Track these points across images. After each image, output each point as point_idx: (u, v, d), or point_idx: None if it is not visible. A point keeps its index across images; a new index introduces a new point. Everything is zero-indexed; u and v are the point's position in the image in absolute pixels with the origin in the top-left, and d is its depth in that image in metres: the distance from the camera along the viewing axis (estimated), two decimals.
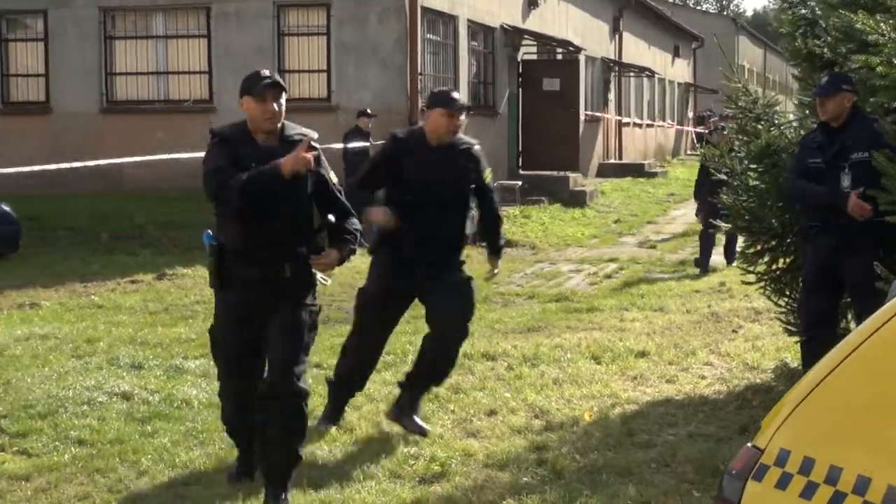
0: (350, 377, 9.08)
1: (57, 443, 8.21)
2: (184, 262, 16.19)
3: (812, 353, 7.96)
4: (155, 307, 13.72)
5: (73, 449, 8.07)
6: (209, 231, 7.07)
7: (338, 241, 7.23)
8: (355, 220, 7.35)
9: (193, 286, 15.62)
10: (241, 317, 7.14)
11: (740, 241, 11.79)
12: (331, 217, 7.11)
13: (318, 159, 6.97)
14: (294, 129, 7.04)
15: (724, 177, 12.64)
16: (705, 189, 17.00)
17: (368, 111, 20.57)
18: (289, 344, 7.03)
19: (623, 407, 9.55)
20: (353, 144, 19.62)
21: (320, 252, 7.16)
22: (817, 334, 8.34)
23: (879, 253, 8.04)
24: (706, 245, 17.99)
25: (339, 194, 7.35)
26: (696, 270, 17.93)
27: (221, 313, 7.33)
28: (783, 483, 3.33)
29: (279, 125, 6.90)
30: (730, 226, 11.10)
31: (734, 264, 15.43)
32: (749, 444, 3.55)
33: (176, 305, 14.33)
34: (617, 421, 9.11)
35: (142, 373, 10.39)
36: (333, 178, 7.35)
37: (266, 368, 7.23)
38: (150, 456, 7.95)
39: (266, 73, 6.91)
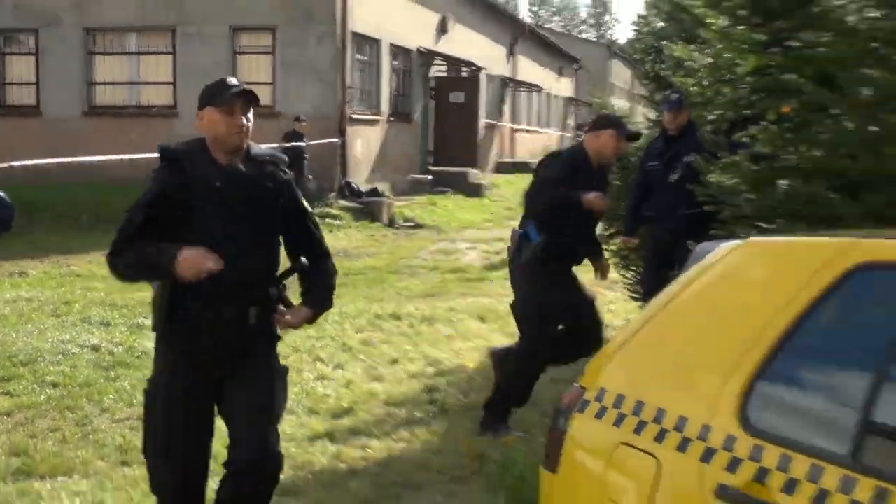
0: None
1: (35, 385, 8.10)
2: None
3: None
4: None
5: (48, 391, 7.98)
6: None
7: (310, 294, 4.84)
8: (332, 265, 4.97)
9: None
10: (191, 374, 4.62)
11: (599, 227, 11.85)
12: (304, 260, 4.75)
13: (289, 183, 4.77)
14: (259, 148, 4.81)
15: None
16: None
17: (301, 117, 20.51)
18: (264, 416, 4.68)
19: None
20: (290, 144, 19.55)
21: (286, 304, 4.76)
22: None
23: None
24: None
25: (315, 228, 4.92)
26: None
27: (163, 370, 4.72)
28: (600, 415, 3.40)
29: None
30: None
31: None
32: (576, 384, 3.61)
33: None
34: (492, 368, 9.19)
35: (109, 329, 10.27)
36: (307, 206, 4.97)
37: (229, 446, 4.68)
38: (111, 396, 7.91)
39: (233, 81, 4.73)
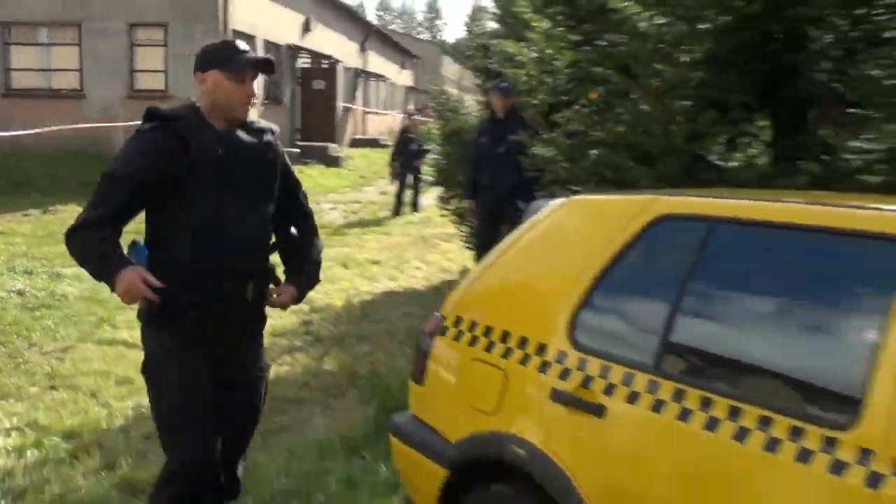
0: None
1: None
2: (63, 202, 15.37)
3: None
4: (42, 233, 13.02)
5: None
6: (137, 241, 3.57)
7: (296, 272, 3.87)
8: (320, 240, 3.98)
9: (70, 217, 14.90)
10: (195, 351, 3.55)
11: (439, 190, 11.93)
12: (293, 231, 3.89)
13: (284, 155, 3.87)
14: (251, 117, 3.74)
15: (426, 147, 12.95)
16: (402, 155, 17.10)
17: (192, 98, 19.96)
18: (243, 427, 3.89)
19: (362, 297, 9.64)
20: None
21: (275, 282, 3.80)
22: (486, 250, 8.49)
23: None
24: (400, 193, 17.44)
25: (305, 200, 3.97)
26: (410, 210, 17.63)
27: (169, 348, 3.54)
28: (458, 337, 3.45)
29: None
30: (432, 179, 11.34)
31: (419, 211, 16.17)
32: (436, 314, 3.66)
33: (57, 231, 13.61)
34: (358, 306, 9.21)
35: (32, 277, 9.87)
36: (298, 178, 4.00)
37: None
38: (38, 333, 7.66)
39: (244, 45, 3.64)
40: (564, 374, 2.98)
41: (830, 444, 2.28)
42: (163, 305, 3.41)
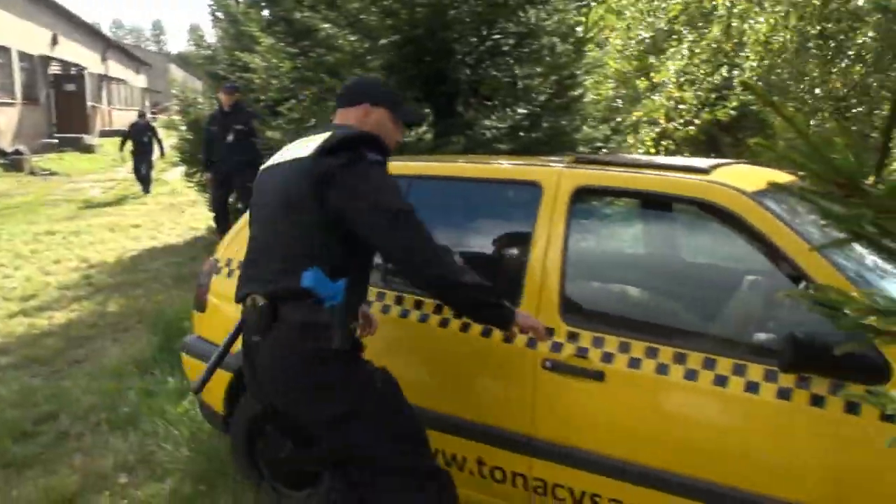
0: None
1: None
2: None
3: (224, 217, 7.94)
4: None
5: None
6: (315, 269, 2.11)
7: None
8: None
9: None
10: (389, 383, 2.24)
11: (184, 167, 11.21)
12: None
13: None
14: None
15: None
16: (134, 145, 15.00)
17: None
18: None
19: (130, 253, 8.92)
20: None
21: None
22: (220, 213, 8.20)
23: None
24: (139, 177, 15.12)
25: None
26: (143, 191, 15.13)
27: (368, 375, 2.20)
28: (230, 275, 3.33)
29: None
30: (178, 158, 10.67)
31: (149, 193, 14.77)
32: (211, 258, 3.51)
33: None
34: (128, 260, 8.52)
35: None
36: None
37: None
38: None
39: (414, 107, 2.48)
40: None
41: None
42: (354, 339, 2.27)
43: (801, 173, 1.14)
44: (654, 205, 3.01)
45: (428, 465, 2.23)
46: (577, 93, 5.07)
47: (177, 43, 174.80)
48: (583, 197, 2.61)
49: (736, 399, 2.15)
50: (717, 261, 3.07)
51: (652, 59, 9.50)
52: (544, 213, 2.55)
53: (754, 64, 8.86)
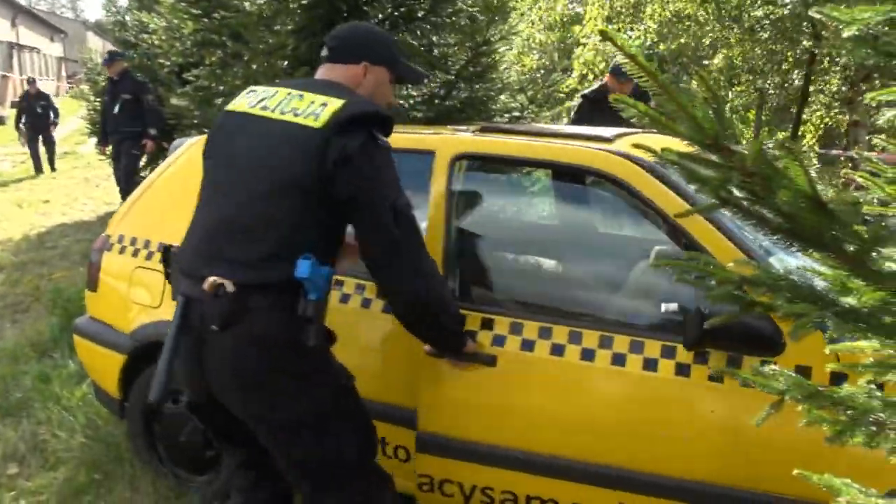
0: None
1: None
2: None
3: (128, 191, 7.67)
4: None
5: None
6: (310, 258, 1.80)
7: None
8: None
9: None
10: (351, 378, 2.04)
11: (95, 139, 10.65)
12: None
13: None
14: None
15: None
16: (29, 118, 13.53)
17: None
18: None
19: (38, 230, 8.43)
20: None
21: None
22: (123, 185, 7.96)
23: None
24: (33, 152, 13.56)
25: None
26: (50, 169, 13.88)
27: (337, 383, 1.98)
28: (122, 251, 3.13)
29: None
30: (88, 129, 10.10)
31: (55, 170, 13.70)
32: (102, 234, 3.28)
33: None
34: (35, 237, 8.05)
35: None
36: None
37: None
38: None
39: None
40: None
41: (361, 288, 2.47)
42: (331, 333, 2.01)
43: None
44: (560, 176, 2.94)
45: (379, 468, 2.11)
46: (492, 60, 4.95)
47: (94, 9, 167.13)
48: (464, 164, 2.50)
49: (634, 377, 2.08)
50: (613, 230, 3.01)
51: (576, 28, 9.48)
52: (434, 181, 2.43)
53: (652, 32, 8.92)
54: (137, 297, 3.01)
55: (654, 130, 1.05)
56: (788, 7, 8.89)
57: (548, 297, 2.59)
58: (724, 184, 0.90)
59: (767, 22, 9.08)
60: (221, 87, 4.76)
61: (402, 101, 5.09)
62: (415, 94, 4.95)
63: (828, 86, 9.90)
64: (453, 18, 4.85)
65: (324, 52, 2.11)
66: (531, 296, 2.62)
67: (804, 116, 10.48)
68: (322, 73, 2.10)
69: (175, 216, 3.10)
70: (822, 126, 10.70)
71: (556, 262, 2.92)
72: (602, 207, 3.07)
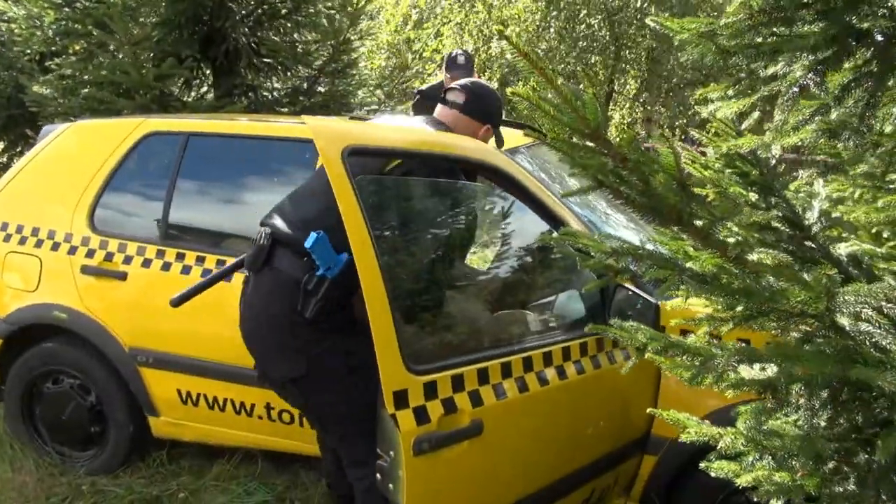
0: None
1: None
2: None
3: None
4: None
5: None
6: (322, 234, 1.71)
7: None
8: None
9: None
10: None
11: None
12: None
13: None
14: None
15: None
16: None
17: None
18: None
19: None
20: None
21: None
22: None
23: None
24: None
25: None
26: None
27: (363, 369, 1.68)
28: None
29: None
30: None
31: None
32: None
33: None
34: None
35: None
36: None
37: None
38: None
39: None
40: (90, 254, 2.63)
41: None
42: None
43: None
44: None
45: None
46: (352, 58, 4.91)
47: None
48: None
49: None
50: None
51: (426, 29, 9.51)
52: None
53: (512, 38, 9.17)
54: (11, 281, 2.76)
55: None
56: (595, 21, 9.46)
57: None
58: (600, 169, 0.99)
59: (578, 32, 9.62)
60: (86, 77, 4.38)
61: (266, 94, 4.94)
62: (279, 87, 4.82)
63: (627, 88, 10.65)
64: (314, 18, 4.75)
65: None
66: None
67: (609, 114, 11.25)
68: (440, 113, 2.13)
69: (45, 200, 2.87)
70: (624, 122, 11.50)
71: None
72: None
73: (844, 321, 0.99)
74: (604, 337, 2.04)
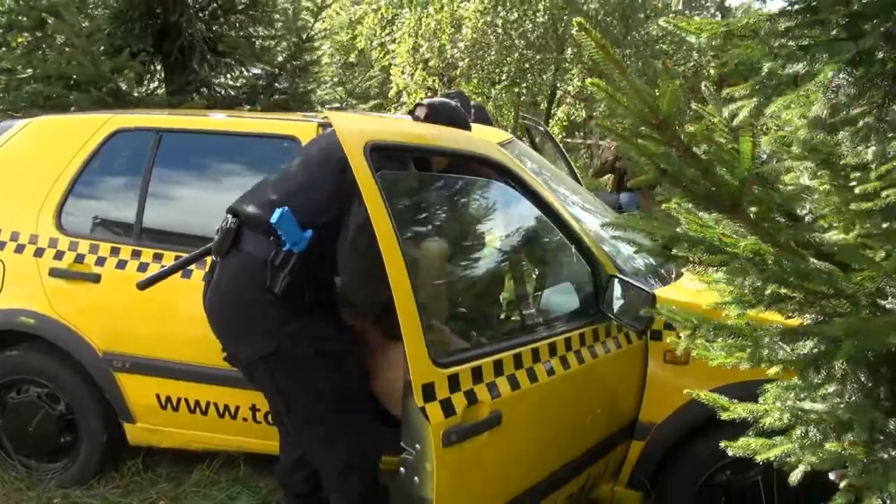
0: None
1: None
2: None
3: None
4: None
5: None
6: (287, 210, 1.76)
7: None
8: None
9: None
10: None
11: None
12: None
13: None
14: None
15: None
16: None
17: None
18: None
19: None
20: None
21: None
22: None
23: None
24: None
25: None
26: None
27: (332, 357, 1.81)
28: None
29: None
30: None
31: None
32: None
33: None
34: None
35: None
36: None
37: None
38: None
39: None
40: (59, 256, 2.47)
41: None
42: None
43: None
44: None
45: None
46: (313, 57, 4.79)
47: None
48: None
49: None
50: None
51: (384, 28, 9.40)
52: None
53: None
54: None
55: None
56: (540, 21, 9.56)
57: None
58: (664, 158, 0.98)
59: (520, 31, 9.68)
60: (30, 71, 4.12)
61: (220, 90, 4.77)
62: (236, 84, 4.66)
63: (570, 86, 10.78)
64: (272, 15, 4.61)
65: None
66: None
67: (552, 111, 11.40)
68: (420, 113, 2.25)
69: (5, 200, 2.68)
70: (567, 120, 11.66)
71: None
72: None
73: (889, 302, 1.01)
74: (597, 327, 2.07)
